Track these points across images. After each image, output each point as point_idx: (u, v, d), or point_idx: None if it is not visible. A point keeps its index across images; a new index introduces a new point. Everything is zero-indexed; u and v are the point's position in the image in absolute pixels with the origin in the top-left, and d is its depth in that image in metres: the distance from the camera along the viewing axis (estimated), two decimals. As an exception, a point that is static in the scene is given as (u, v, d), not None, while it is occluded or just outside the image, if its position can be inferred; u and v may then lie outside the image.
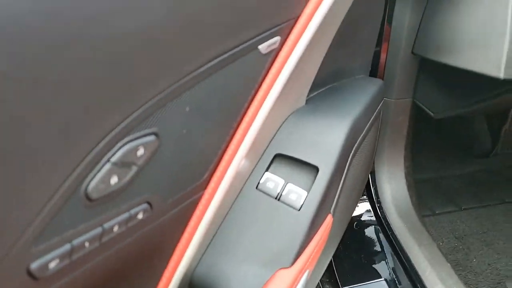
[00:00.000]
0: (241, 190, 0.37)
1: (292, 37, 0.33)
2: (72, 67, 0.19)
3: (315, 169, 0.37)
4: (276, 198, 0.37)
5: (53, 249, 0.22)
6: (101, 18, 0.19)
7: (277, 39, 0.31)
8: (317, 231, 0.38)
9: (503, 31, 0.47)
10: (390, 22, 0.70)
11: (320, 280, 0.72)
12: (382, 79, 0.73)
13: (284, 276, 0.34)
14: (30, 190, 0.20)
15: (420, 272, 0.71)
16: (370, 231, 0.79)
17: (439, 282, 0.69)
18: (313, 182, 0.37)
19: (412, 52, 0.69)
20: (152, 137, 0.25)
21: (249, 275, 0.34)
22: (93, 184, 0.22)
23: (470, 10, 0.53)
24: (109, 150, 0.23)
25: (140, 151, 0.24)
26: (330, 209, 0.41)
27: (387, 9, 0.70)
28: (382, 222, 0.79)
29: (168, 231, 0.31)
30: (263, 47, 0.31)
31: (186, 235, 0.33)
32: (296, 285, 0.35)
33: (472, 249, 0.87)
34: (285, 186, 0.37)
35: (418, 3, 0.66)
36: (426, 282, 0.70)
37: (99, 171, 0.22)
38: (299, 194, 0.37)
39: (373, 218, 0.81)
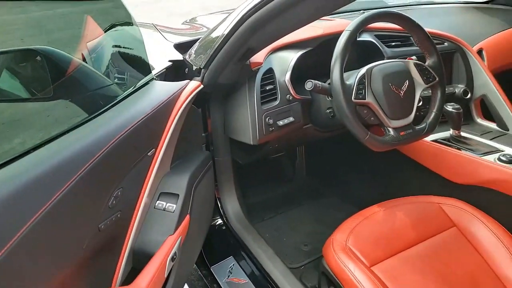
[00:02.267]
0: (148, 209, 0.91)
1: (159, 146, 0.90)
2: None
3: (177, 195, 0.94)
4: (163, 210, 0.92)
5: None
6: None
7: (153, 150, 0.88)
8: (183, 220, 0.94)
9: (248, 124, 1.13)
10: (210, 117, 1.32)
11: (196, 264, 1.28)
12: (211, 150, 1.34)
13: (170, 238, 0.88)
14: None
15: (252, 251, 1.31)
16: (223, 233, 1.38)
17: (262, 252, 1.30)
18: (177, 200, 0.93)
19: (224, 133, 1.33)
20: None
21: (157, 240, 0.87)
22: None
23: (238, 112, 1.19)
24: None
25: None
26: (187, 212, 0.97)
27: (207, 111, 1.31)
28: (228, 227, 1.38)
29: (122, 231, 0.83)
30: (149, 153, 0.87)
31: (129, 230, 0.85)
32: (175, 244, 0.90)
33: (283, 233, 1.53)
34: (166, 204, 0.92)
35: (220, 108, 1.30)
36: (256, 255, 1.30)
37: None
38: (173, 206, 0.92)
39: (224, 226, 1.40)
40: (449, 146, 1.30)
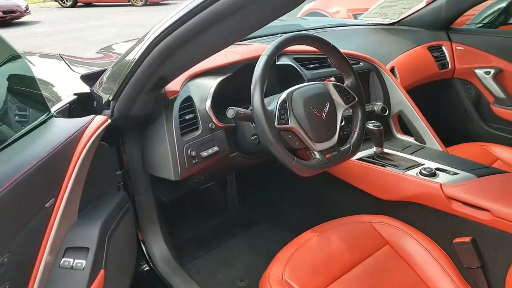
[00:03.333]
0: (51, 269, 0.77)
1: (60, 195, 0.78)
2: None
3: (87, 249, 0.81)
4: (70, 268, 0.79)
5: None
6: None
7: (53, 200, 0.76)
8: (96, 277, 0.81)
9: (168, 158, 1.04)
10: (125, 152, 1.21)
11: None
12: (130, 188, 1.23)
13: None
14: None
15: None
16: (150, 280, 1.25)
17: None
18: (87, 255, 0.81)
19: (143, 168, 1.22)
20: None
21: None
22: None
23: (156, 145, 1.09)
24: None
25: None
26: (101, 266, 0.85)
27: (122, 146, 1.20)
28: (156, 273, 1.25)
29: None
30: (47, 204, 0.74)
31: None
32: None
33: (217, 270, 1.44)
34: (74, 261, 0.79)
35: (137, 142, 1.19)
36: None
37: None
38: (82, 263, 0.79)
39: (151, 271, 1.27)
40: (374, 163, 1.32)
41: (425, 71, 1.85)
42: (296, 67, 1.33)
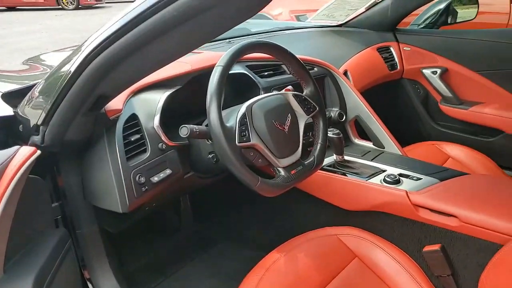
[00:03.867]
0: None
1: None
2: None
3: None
4: None
5: None
6: None
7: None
8: None
9: (112, 187, 0.91)
10: (62, 183, 1.05)
11: None
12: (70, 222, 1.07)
13: None
14: None
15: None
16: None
17: None
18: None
19: (85, 199, 1.07)
20: None
21: None
22: None
23: (98, 173, 0.95)
24: None
25: None
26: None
27: (57, 174, 1.04)
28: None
29: None
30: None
31: None
32: None
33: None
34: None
35: (76, 169, 1.04)
36: None
37: None
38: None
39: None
40: (335, 172, 1.28)
41: (376, 73, 1.85)
42: (250, 75, 1.24)
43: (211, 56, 1.18)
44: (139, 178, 0.94)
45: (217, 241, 1.61)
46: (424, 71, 1.96)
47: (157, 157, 0.99)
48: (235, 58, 0.89)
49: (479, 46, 1.82)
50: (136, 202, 0.94)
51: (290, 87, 1.13)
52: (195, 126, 0.89)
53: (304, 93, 1.04)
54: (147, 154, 0.98)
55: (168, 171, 1.00)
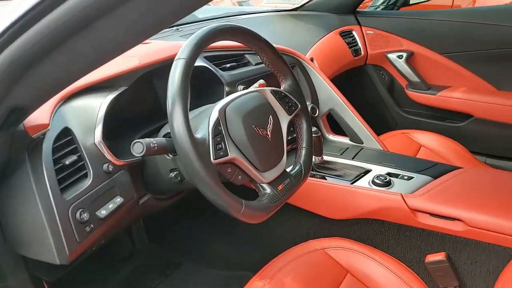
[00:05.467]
0: None
1: None
2: None
3: None
4: None
5: None
6: None
7: None
8: None
9: (44, 231, 0.68)
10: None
11: None
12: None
13: None
14: None
15: None
16: None
17: None
18: None
19: (5, 242, 0.82)
20: None
21: None
22: None
23: (22, 212, 0.71)
24: None
25: None
26: None
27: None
28: None
29: None
30: None
31: None
32: None
33: None
34: None
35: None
36: None
37: None
38: None
39: None
40: (313, 176, 1.13)
41: (342, 59, 1.72)
42: (211, 68, 1.04)
43: (164, 47, 0.95)
44: (80, 215, 0.70)
45: (179, 264, 1.39)
46: (389, 55, 1.86)
47: (103, 183, 0.76)
48: (201, 48, 0.69)
49: (445, 27, 1.75)
50: (79, 248, 0.70)
51: (262, 81, 0.95)
52: (151, 140, 0.68)
53: (282, 88, 0.87)
54: (89, 181, 0.74)
55: (118, 200, 0.77)
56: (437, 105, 1.81)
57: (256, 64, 1.17)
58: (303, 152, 0.89)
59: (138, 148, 0.66)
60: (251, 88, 0.84)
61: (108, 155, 0.78)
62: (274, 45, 0.84)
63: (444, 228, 0.94)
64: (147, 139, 0.67)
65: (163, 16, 0.44)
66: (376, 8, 2.12)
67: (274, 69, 0.86)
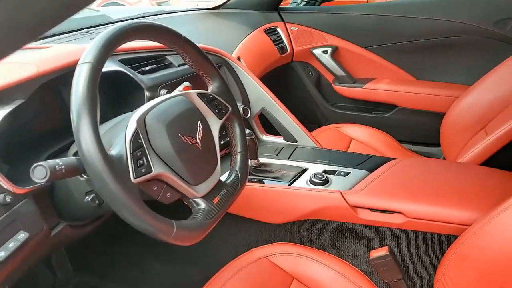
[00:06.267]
0: None
1: None
2: None
3: None
4: None
5: None
6: None
7: None
8: None
9: None
10: None
11: None
12: None
13: None
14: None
15: None
16: None
17: None
18: None
19: None
20: None
21: None
22: None
23: None
24: None
25: None
26: None
27: None
28: None
29: None
30: None
31: None
32: None
33: None
34: None
35: None
36: None
37: None
38: None
39: None
40: (250, 180, 1.07)
41: (269, 57, 1.69)
42: (127, 72, 0.93)
43: (66, 51, 0.82)
44: None
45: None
46: (314, 51, 1.87)
47: (0, 217, 0.63)
48: (109, 49, 0.59)
49: (366, 20, 1.79)
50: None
51: (187, 83, 0.87)
52: (57, 161, 0.57)
53: (210, 91, 0.80)
54: None
55: (22, 235, 0.65)
56: (363, 98, 1.85)
57: (179, 66, 1.09)
58: (238, 158, 0.82)
59: (39, 173, 0.54)
60: (175, 92, 0.76)
61: (5, 183, 0.65)
62: (198, 45, 0.77)
63: (385, 222, 0.94)
64: (52, 161, 0.56)
65: (44, 14, 0.35)
66: (298, 4, 2.12)
67: (199, 70, 0.78)
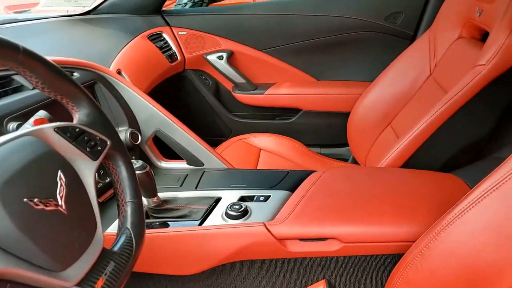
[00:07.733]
0: None
1: None
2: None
3: None
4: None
5: None
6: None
7: None
8: None
9: None
10: None
11: None
12: None
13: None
14: None
15: None
16: None
17: None
18: None
19: None
20: None
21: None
22: None
23: None
24: None
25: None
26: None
27: None
28: None
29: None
30: None
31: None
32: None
33: None
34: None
35: None
36: None
37: None
38: None
39: None
40: (152, 226, 0.86)
41: (157, 68, 1.47)
42: None
43: None
44: None
45: None
46: (208, 57, 1.69)
47: None
48: None
49: (258, 21, 1.67)
50: None
51: (42, 114, 0.63)
52: None
53: (76, 121, 0.57)
54: None
55: None
56: (266, 105, 1.73)
57: (34, 88, 0.82)
58: (129, 210, 0.60)
59: None
60: (20, 131, 0.51)
61: None
62: (60, 58, 0.53)
63: (319, 251, 0.81)
64: None
65: None
66: (183, 6, 1.93)
67: (56, 93, 0.55)
